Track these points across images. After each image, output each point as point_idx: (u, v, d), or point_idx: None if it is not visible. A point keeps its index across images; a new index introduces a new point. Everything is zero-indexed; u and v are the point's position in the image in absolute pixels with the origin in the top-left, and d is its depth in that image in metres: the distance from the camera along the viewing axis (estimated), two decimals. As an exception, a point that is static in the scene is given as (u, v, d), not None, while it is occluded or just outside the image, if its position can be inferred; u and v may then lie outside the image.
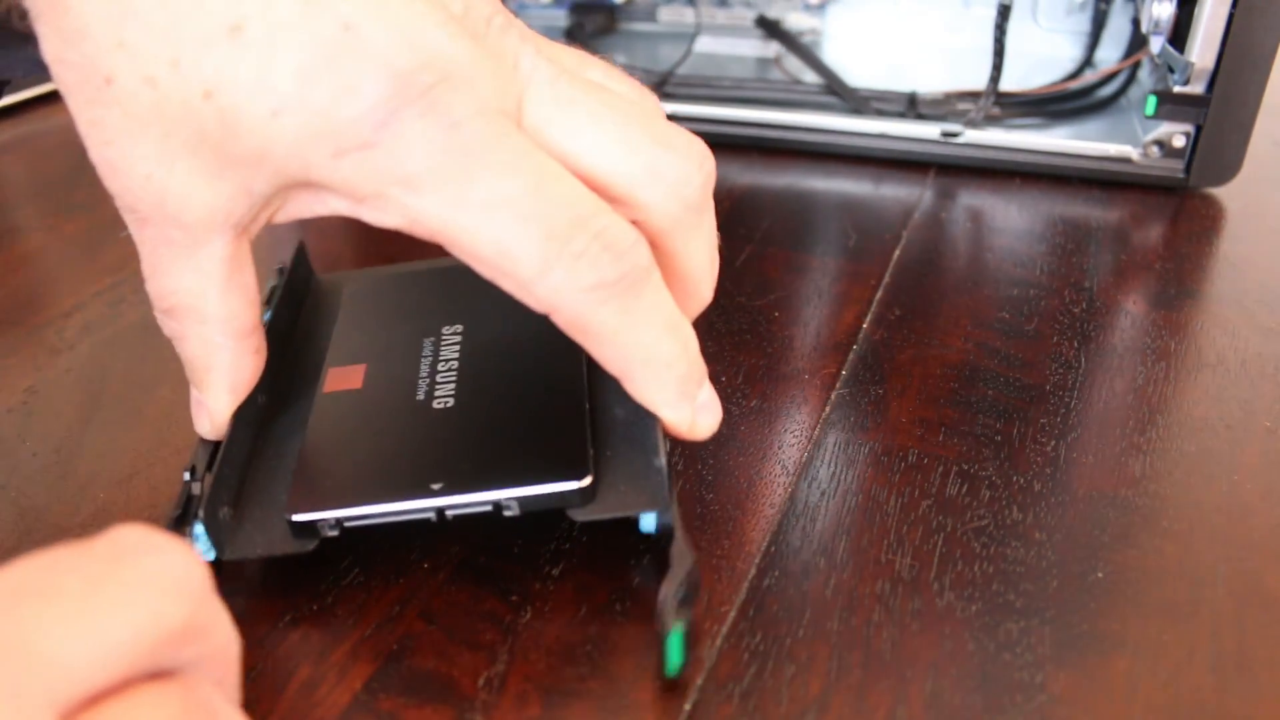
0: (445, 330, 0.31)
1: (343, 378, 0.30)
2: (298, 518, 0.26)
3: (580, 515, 0.26)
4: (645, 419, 0.28)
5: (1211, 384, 0.34)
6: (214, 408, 0.28)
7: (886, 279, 0.40)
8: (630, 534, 0.29)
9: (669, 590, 0.24)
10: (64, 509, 0.30)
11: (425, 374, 0.30)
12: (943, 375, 0.35)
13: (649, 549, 0.28)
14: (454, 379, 0.30)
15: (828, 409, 0.34)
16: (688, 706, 0.24)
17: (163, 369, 0.35)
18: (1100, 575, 0.27)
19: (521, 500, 0.26)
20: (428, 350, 0.31)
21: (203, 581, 0.19)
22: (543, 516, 0.26)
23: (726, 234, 0.43)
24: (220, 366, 0.27)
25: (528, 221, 0.23)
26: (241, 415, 0.28)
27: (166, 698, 0.17)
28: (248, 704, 0.24)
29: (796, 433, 0.33)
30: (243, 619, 0.23)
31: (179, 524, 0.26)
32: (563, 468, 0.26)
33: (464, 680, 0.25)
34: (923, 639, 0.26)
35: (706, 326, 0.37)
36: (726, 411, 0.33)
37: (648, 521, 0.27)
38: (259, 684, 0.25)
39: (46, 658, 0.16)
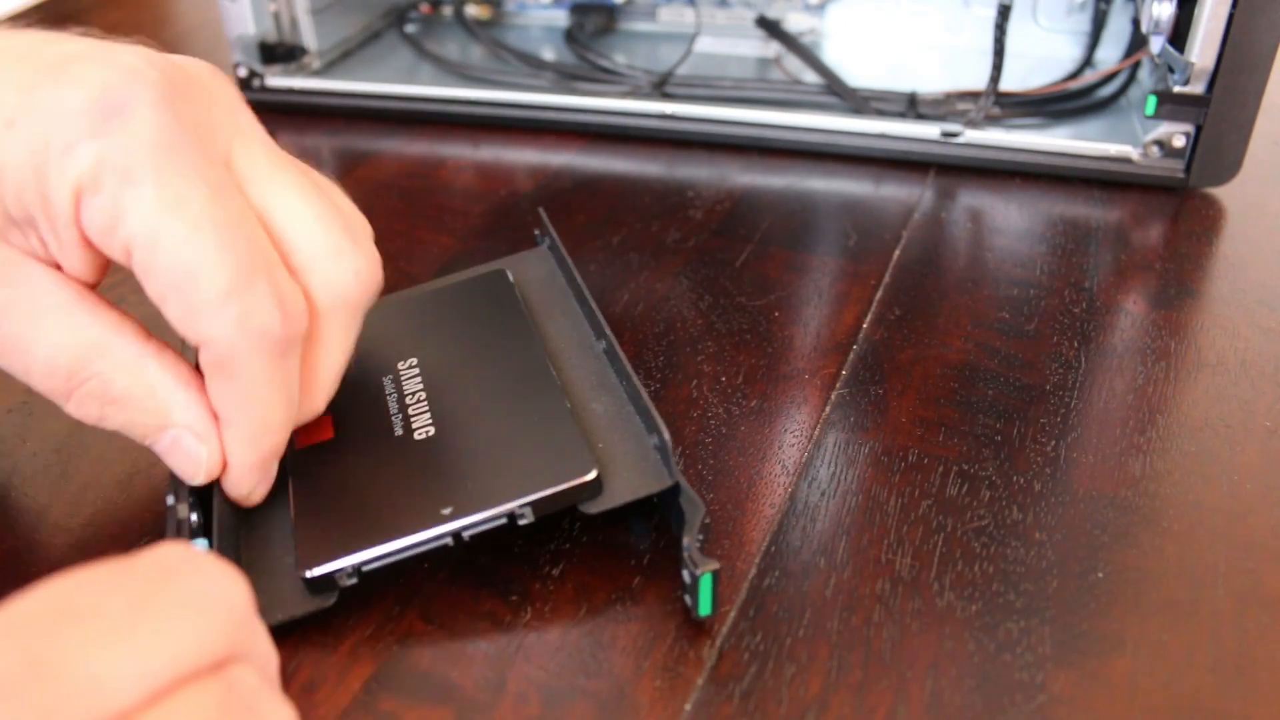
0: (400, 365, 0.31)
1: (312, 431, 0.29)
2: (313, 573, 0.25)
3: (593, 508, 0.26)
4: (627, 406, 0.29)
5: (1211, 384, 0.34)
6: (194, 441, 0.26)
7: (886, 279, 0.40)
8: (630, 534, 0.29)
9: (690, 539, 0.25)
10: (64, 509, 0.30)
11: (395, 410, 0.30)
12: (943, 375, 0.35)
13: (649, 549, 0.28)
14: (426, 409, 0.29)
15: (828, 409, 0.34)
16: (688, 706, 0.24)
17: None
18: (1100, 575, 0.27)
19: (535, 504, 0.26)
20: (390, 388, 0.30)
21: (245, 603, 0.18)
22: (543, 518, 0.26)
23: (726, 234, 0.43)
24: (165, 382, 0.26)
25: (225, 251, 0.24)
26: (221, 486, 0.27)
27: (205, 698, 0.17)
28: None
29: (796, 433, 0.33)
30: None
31: None
32: (567, 466, 0.27)
33: (464, 680, 0.25)
34: (923, 639, 0.26)
35: (706, 326, 0.37)
36: (727, 411, 0.33)
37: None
38: (259, 684, 0.25)
39: (85, 681, 0.16)
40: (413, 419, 0.29)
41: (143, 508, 0.30)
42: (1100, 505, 0.30)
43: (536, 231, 0.38)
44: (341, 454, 0.29)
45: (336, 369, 0.28)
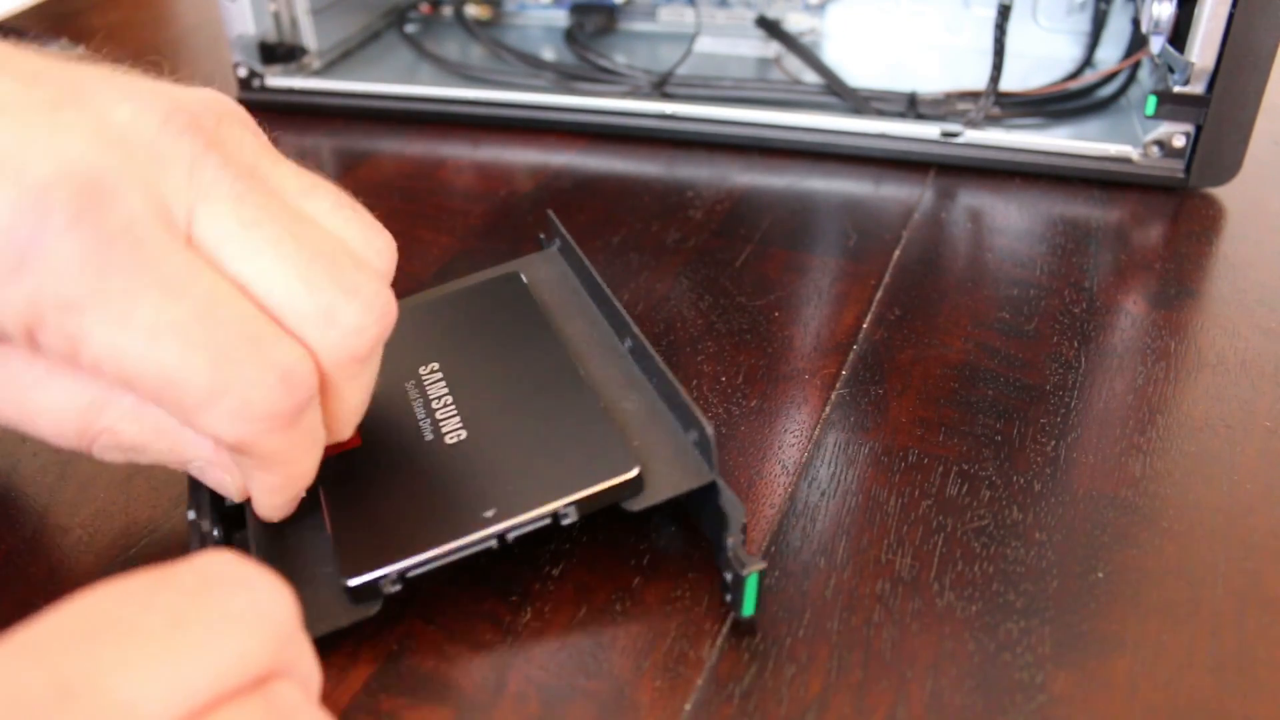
0: (422, 370, 0.31)
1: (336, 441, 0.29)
2: (355, 581, 0.25)
3: (635, 505, 0.26)
4: (659, 403, 0.29)
5: (1211, 384, 0.34)
6: (218, 471, 0.26)
7: (886, 279, 0.40)
8: (631, 535, 0.29)
9: (734, 539, 0.25)
10: (64, 509, 0.30)
11: (423, 415, 0.29)
12: (943, 375, 0.35)
13: (649, 549, 0.28)
14: (454, 413, 0.29)
15: (828, 409, 0.34)
16: (688, 706, 0.24)
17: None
18: (1100, 575, 0.27)
19: (579, 504, 0.26)
20: (414, 393, 0.30)
21: (291, 616, 0.18)
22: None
23: (726, 234, 0.43)
24: (170, 424, 0.25)
25: (195, 348, 0.22)
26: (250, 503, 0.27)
27: (246, 716, 0.16)
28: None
29: (796, 433, 0.33)
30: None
31: None
32: (608, 464, 0.26)
33: (464, 680, 0.25)
34: (923, 639, 0.26)
35: (706, 326, 0.37)
36: (727, 411, 0.33)
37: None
38: (259, 684, 0.25)
39: (117, 706, 0.15)
40: (441, 423, 0.29)
41: (143, 508, 0.30)
42: (1100, 505, 0.30)
43: (541, 235, 0.38)
44: (372, 461, 0.28)
45: (359, 404, 0.26)
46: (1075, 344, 0.36)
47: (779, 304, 0.39)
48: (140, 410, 0.25)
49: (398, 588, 0.25)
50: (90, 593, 0.16)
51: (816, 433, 0.33)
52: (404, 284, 0.41)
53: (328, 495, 0.28)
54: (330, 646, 0.26)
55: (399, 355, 0.32)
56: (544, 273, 0.36)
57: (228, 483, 0.26)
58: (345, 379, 0.25)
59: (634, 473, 0.26)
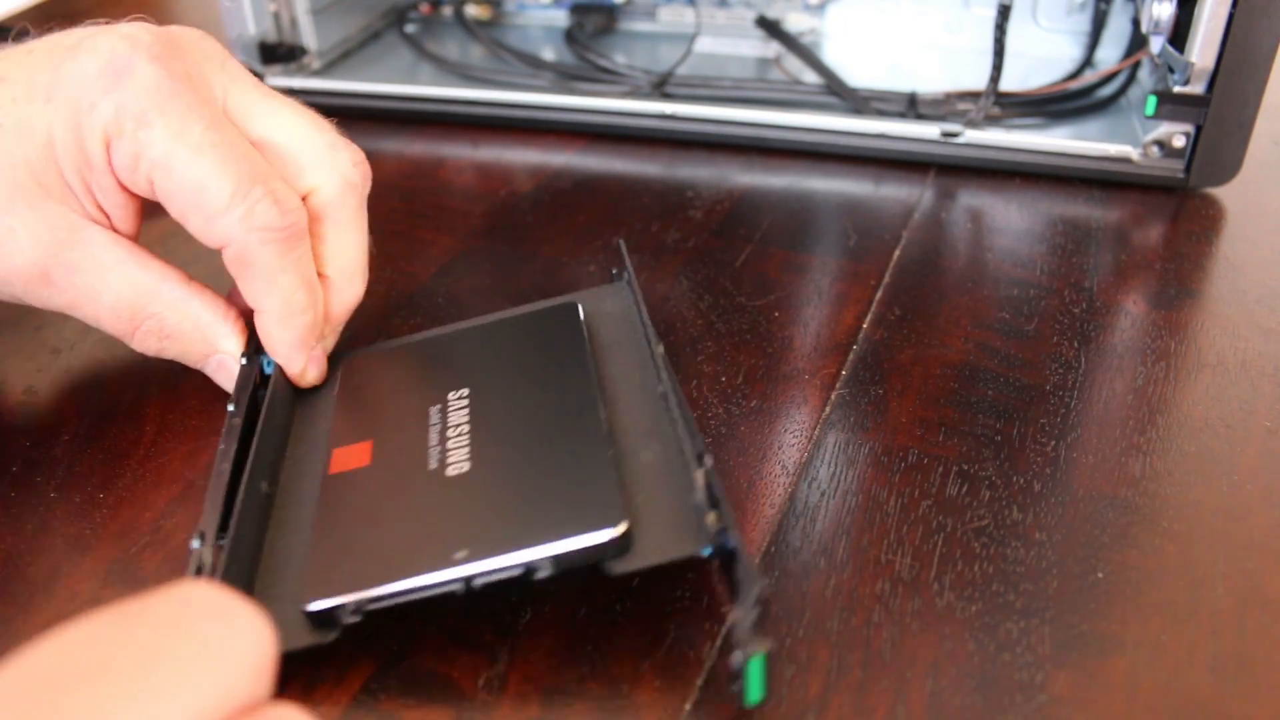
0: (451, 396, 0.30)
1: (349, 457, 0.29)
2: (314, 606, 0.24)
3: (618, 567, 0.24)
4: (676, 459, 0.26)
5: (1211, 384, 0.34)
6: (235, 364, 0.32)
7: (886, 279, 0.40)
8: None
9: (743, 616, 0.22)
10: (65, 509, 0.30)
11: (435, 442, 0.28)
12: (943, 375, 0.35)
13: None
14: (466, 443, 0.28)
15: (828, 409, 0.34)
16: (688, 706, 0.24)
17: (162, 369, 0.35)
18: (1100, 575, 0.27)
19: (556, 559, 0.24)
20: (435, 418, 0.29)
21: (268, 647, 0.17)
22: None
23: (726, 234, 0.43)
24: (206, 317, 0.32)
25: (225, 166, 0.29)
26: (246, 509, 0.27)
27: None
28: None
29: (796, 433, 0.33)
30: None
31: None
32: (593, 517, 0.24)
33: (464, 680, 0.25)
34: (923, 639, 0.26)
35: (706, 326, 0.37)
36: (727, 411, 0.33)
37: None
38: (259, 684, 0.25)
39: None
40: (450, 453, 0.28)
41: (143, 508, 0.30)
42: (1100, 505, 0.30)
43: (614, 270, 0.36)
44: (372, 483, 0.28)
45: (357, 252, 0.33)
46: (1075, 344, 0.36)
47: (779, 304, 0.39)
48: (186, 304, 0.32)
49: (357, 618, 0.24)
50: (59, 632, 0.16)
51: (816, 433, 0.33)
52: (404, 284, 0.41)
53: (320, 512, 0.27)
54: (294, 664, 0.25)
55: (435, 377, 0.31)
56: (608, 306, 0.34)
57: (223, 370, 0.33)
58: (340, 220, 0.32)
59: (617, 530, 0.24)
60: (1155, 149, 0.45)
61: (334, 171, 0.32)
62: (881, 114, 0.49)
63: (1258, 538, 0.28)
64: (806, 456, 0.32)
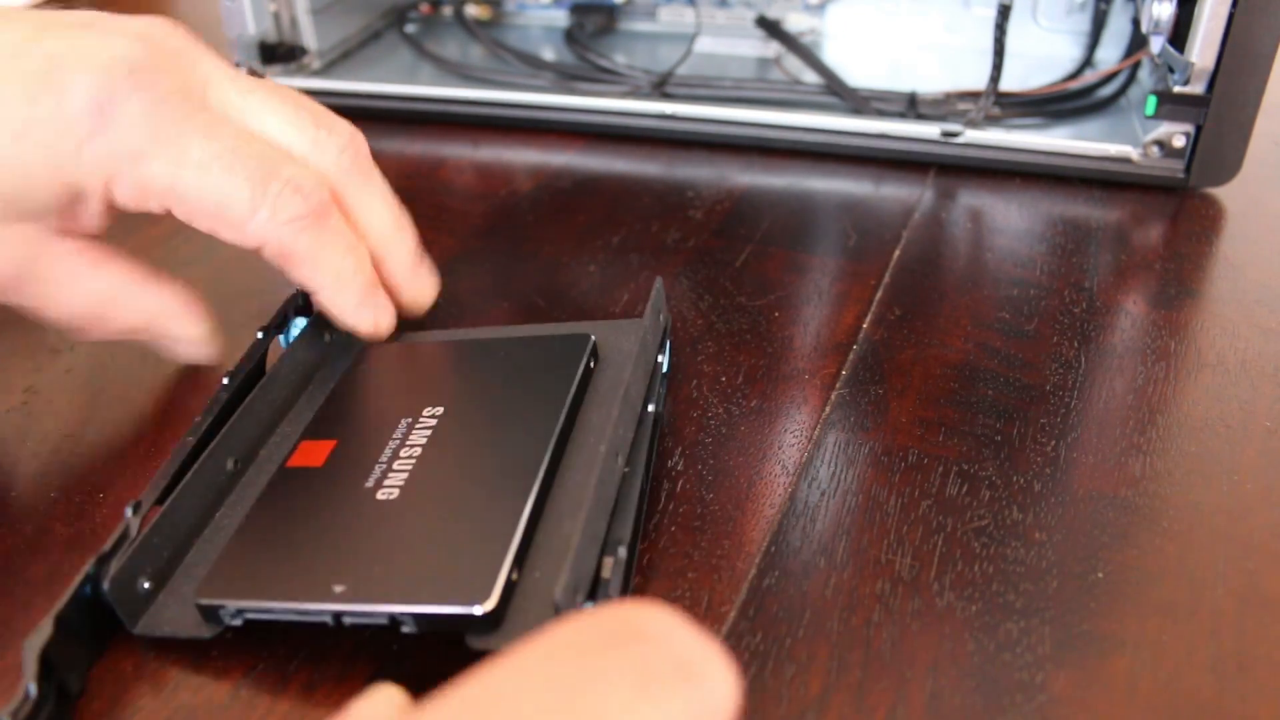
0: (425, 412, 0.29)
1: (310, 453, 0.29)
2: (204, 601, 0.25)
3: (479, 643, 0.23)
4: (598, 537, 0.25)
5: (1211, 384, 0.34)
6: (194, 333, 0.33)
7: (886, 279, 0.40)
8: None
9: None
10: (65, 510, 0.30)
11: (384, 459, 0.28)
12: (943, 375, 0.35)
13: (649, 549, 0.28)
14: (408, 469, 0.27)
15: (828, 409, 0.34)
16: (688, 706, 0.24)
17: (162, 369, 0.35)
18: (1100, 575, 0.27)
19: (418, 618, 0.23)
20: (399, 433, 0.29)
21: (736, 696, 0.16)
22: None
23: (726, 234, 0.43)
24: (163, 310, 0.32)
25: (234, 173, 0.29)
26: (196, 483, 0.27)
27: None
28: (248, 703, 0.24)
29: (796, 433, 0.33)
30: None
31: (104, 560, 0.25)
32: (464, 590, 0.23)
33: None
34: (923, 639, 0.26)
35: (706, 326, 0.37)
36: (727, 411, 0.33)
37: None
38: (259, 684, 0.25)
39: None
40: (390, 475, 0.27)
41: (143, 508, 0.30)
42: (1100, 505, 0.30)
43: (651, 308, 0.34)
44: (311, 487, 0.27)
45: (385, 209, 0.34)
46: (1075, 344, 0.36)
47: (779, 304, 0.39)
48: (140, 303, 0.32)
49: (238, 622, 0.24)
50: (499, 669, 0.15)
51: (816, 433, 0.33)
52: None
53: (255, 506, 0.27)
54: (294, 664, 0.25)
55: (421, 389, 0.31)
56: (630, 342, 0.32)
57: (200, 355, 0.34)
58: (356, 189, 0.33)
59: (482, 609, 0.23)
60: (1155, 149, 0.45)
61: (325, 166, 0.32)
62: (881, 114, 0.49)
63: (1258, 538, 0.28)
64: (806, 456, 0.32)
